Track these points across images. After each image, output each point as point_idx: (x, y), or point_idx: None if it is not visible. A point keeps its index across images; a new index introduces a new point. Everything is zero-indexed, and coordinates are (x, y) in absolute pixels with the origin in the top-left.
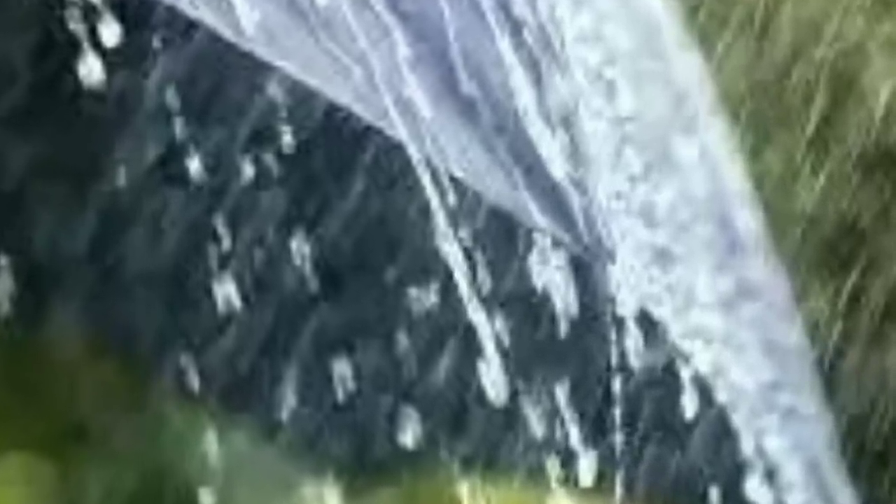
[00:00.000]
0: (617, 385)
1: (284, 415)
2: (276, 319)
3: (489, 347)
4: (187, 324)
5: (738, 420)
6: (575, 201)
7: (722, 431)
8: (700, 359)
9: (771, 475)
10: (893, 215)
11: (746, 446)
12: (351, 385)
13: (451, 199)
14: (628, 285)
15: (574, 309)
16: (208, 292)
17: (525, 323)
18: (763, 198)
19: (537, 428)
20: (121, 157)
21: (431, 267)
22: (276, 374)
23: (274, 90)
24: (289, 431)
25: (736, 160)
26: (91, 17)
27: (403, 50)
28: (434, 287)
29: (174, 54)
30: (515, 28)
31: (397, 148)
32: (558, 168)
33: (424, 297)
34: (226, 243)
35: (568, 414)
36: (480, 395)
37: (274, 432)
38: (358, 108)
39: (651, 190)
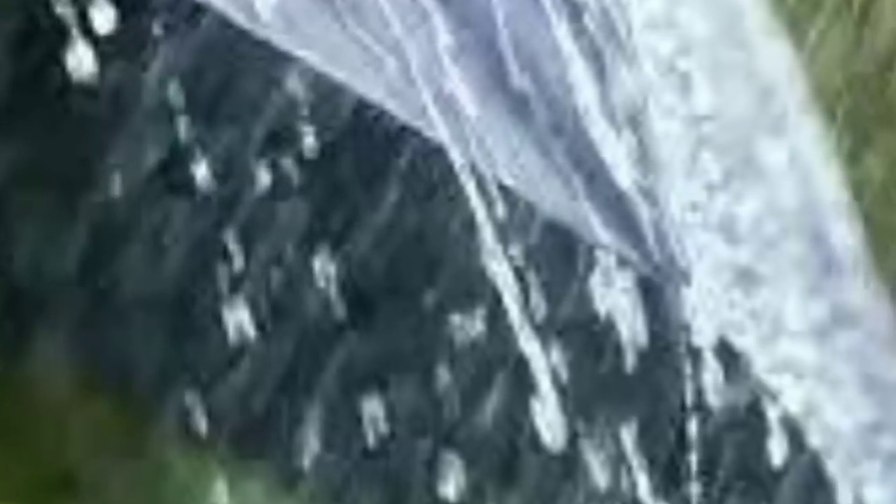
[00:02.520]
0: (693, 427)
1: (306, 462)
2: (297, 351)
3: (544, 383)
4: (193, 356)
5: (833, 467)
6: (643, 213)
7: (815, 480)
8: (789, 396)
9: None
10: None
11: (843, 497)
12: (383, 427)
13: (500, 210)
14: (706, 311)
15: (642, 338)
16: (217, 319)
17: (586, 355)
18: (863, 209)
19: (600, 476)
20: (116, 162)
21: (477, 290)
22: (297, 415)
23: (294, 85)
24: (311, 481)
25: (831, 165)
26: None
27: (444, 38)
28: (480, 313)
29: (178, 43)
30: (575, 12)
31: (437, 151)
32: (624, 175)
33: (469, 325)
34: (238, 262)
35: (636, 460)
36: (534, 438)
37: (294, 482)
38: (392, 106)
39: (732, 200)
